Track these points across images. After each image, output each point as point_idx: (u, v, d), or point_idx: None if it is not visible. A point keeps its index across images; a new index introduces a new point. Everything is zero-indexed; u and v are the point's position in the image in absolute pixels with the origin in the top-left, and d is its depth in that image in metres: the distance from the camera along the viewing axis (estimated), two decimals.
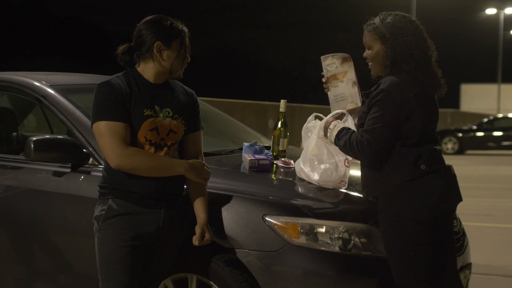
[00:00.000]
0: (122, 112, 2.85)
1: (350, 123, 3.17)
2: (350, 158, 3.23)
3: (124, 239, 2.88)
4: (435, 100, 3.09)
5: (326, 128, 3.17)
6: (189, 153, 3.05)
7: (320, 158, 3.26)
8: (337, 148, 3.13)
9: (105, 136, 2.83)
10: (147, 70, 2.95)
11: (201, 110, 3.17)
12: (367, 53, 3.09)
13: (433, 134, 3.05)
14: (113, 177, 2.92)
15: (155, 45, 2.89)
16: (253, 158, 3.49)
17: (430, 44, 3.06)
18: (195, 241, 2.92)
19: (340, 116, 3.21)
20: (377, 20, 3.05)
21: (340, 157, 3.25)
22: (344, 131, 3.05)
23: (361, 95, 3.26)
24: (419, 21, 3.07)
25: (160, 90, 2.97)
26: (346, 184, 3.29)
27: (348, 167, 3.27)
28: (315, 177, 3.26)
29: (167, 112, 2.95)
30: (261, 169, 3.45)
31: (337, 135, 3.07)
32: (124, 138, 2.84)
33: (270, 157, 3.66)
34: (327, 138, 3.18)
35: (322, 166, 3.25)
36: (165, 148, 2.95)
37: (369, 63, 3.11)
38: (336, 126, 3.11)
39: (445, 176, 3.01)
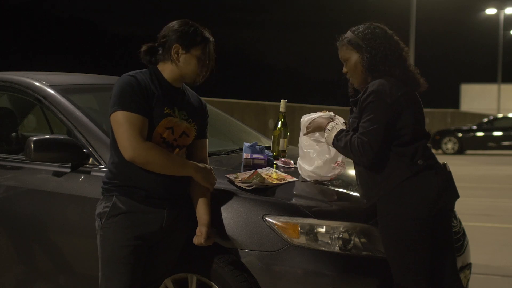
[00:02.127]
0: (143, 106, 2.87)
1: (340, 125, 3.19)
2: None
3: (127, 238, 2.89)
4: (419, 98, 3.14)
5: (323, 129, 3.19)
6: (196, 159, 3.08)
7: (312, 149, 3.31)
8: (321, 138, 3.20)
9: (124, 126, 2.84)
10: (166, 71, 2.98)
11: None
12: (345, 67, 3.15)
13: (424, 131, 3.09)
14: (121, 173, 2.92)
15: (173, 47, 2.93)
16: (249, 157, 3.50)
17: (403, 46, 3.14)
18: (201, 239, 2.92)
19: (331, 118, 3.23)
20: (348, 33, 3.14)
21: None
22: (343, 132, 3.07)
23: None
24: (387, 26, 3.15)
25: (178, 93, 3.02)
26: (345, 166, 3.29)
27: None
28: (313, 166, 3.29)
29: (183, 115, 2.99)
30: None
31: (336, 136, 3.08)
32: (142, 132, 2.85)
33: (270, 157, 3.66)
34: (324, 138, 3.20)
35: (316, 153, 3.28)
36: (177, 149, 2.97)
37: (350, 78, 3.15)
38: (335, 128, 3.12)
39: (442, 173, 3.04)
